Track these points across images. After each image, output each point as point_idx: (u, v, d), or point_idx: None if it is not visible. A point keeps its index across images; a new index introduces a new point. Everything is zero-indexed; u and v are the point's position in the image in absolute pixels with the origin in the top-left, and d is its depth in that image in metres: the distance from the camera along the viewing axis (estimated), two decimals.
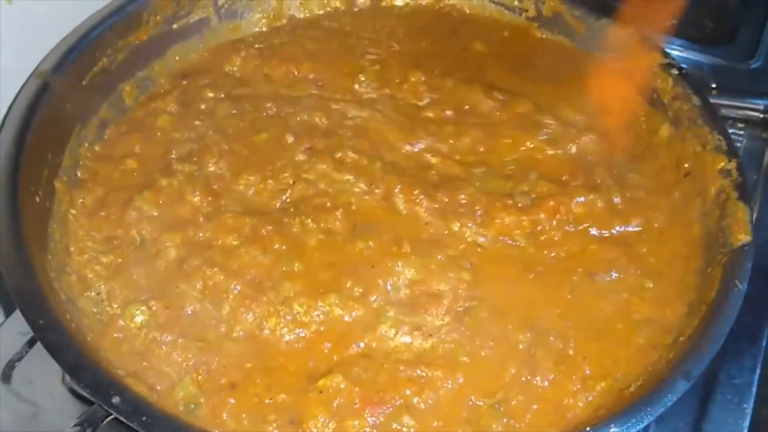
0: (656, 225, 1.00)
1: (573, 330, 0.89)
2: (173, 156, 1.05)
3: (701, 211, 0.99)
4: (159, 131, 1.08)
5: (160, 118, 1.09)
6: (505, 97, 1.14)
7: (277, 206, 1.00)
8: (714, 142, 1.02)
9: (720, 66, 1.34)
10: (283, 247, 0.94)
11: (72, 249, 0.94)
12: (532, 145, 1.08)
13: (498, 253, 0.96)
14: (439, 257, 0.94)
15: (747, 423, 0.94)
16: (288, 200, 1.00)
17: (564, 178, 1.04)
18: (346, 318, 0.89)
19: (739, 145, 1.22)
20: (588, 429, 0.76)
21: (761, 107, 1.22)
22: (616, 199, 1.02)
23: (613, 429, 0.75)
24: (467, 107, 1.13)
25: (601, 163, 1.07)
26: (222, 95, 1.13)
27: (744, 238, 0.91)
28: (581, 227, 0.99)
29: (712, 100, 1.09)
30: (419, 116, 1.12)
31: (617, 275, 0.95)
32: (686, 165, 1.04)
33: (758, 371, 0.99)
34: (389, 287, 0.92)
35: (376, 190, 1.01)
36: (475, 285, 0.93)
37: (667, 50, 1.14)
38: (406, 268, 0.93)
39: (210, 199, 0.99)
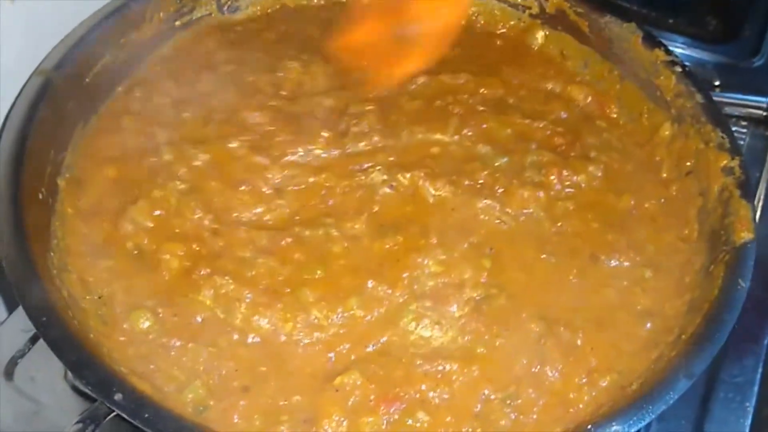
0: (647, 206, 1.02)
1: (581, 320, 0.90)
2: (153, 160, 1.01)
3: (701, 209, 0.99)
4: (126, 133, 1.04)
5: (125, 119, 1.06)
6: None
7: (298, 219, 0.97)
8: (717, 139, 1.02)
9: (723, 63, 1.33)
10: (304, 258, 0.93)
11: (72, 250, 0.93)
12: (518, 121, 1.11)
13: (518, 231, 0.98)
14: (464, 245, 0.95)
15: (749, 422, 0.94)
16: (302, 215, 0.98)
17: (561, 149, 1.07)
18: (368, 318, 0.89)
19: (742, 143, 1.22)
20: (590, 427, 0.76)
21: (764, 105, 1.21)
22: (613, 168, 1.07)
23: (614, 427, 0.76)
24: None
25: (588, 133, 1.10)
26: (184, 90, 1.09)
27: (747, 236, 0.91)
28: (584, 199, 1.02)
29: (715, 98, 1.08)
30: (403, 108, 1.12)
31: (618, 261, 0.96)
32: (688, 163, 1.05)
33: (760, 370, 0.99)
34: (414, 282, 0.92)
35: (401, 184, 1.01)
36: (495, 271, 0.93)
37: (670, 47, 1.14)
38: (431, 261, 0.93)
39: (211, 216, 0.96)
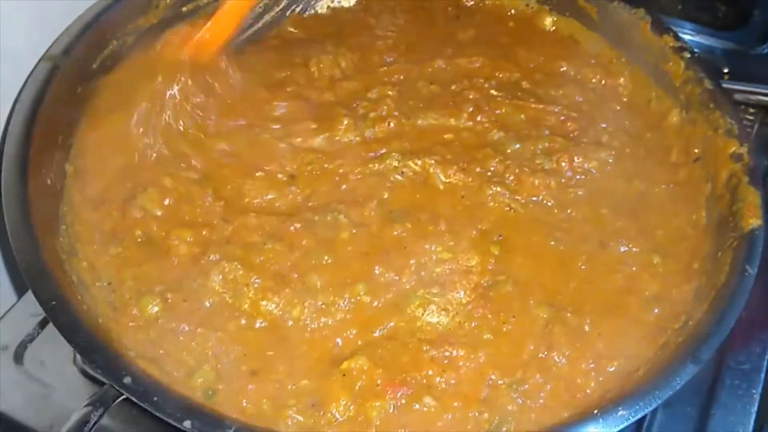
0: (656, 191, 1.02)
1: (589, 306, 0.90)
2: (164, 151, 1.01)
3: (710, 195, 0.99)
4: (138, 122, 1.03)
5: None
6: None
7: (309, 205, 0.98)
8: (725, 126, 1.01)
9: (732, 50, 1.33)
10: (312, 243, 0.93)
11: (81, 236, 0.93)
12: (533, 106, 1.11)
13: (527, 218, 0.98)
14: (472, 232, 0.95)
15: (755, 408, 0.94)
16: (313, 201, 0.98)
17: (573, 135, 1.07)
18: (375, 304, 0.89)
19: (750, 130, 1.21)
20: (596, 412, 0.76)
21: None
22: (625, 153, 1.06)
23: (621, 412, 0.76)
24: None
25: (601, 118, 1.10)
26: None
27: (755, 222, 0.91)
28: (594, 185, 1.02)
29: (724, 85, 1.08)
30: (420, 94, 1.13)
31: (627, 247, 0.96)
32: (696, 150, 1.04)
33: (767, 357, 0.98)
34: (421, 268, 0.92)
35: (412, 170, 1.01)
36: (503, 258, 0.94)
37: (679, 34, 1.14)
38: (439, 247, 0.93)
39: (222, 203, 0.97)
